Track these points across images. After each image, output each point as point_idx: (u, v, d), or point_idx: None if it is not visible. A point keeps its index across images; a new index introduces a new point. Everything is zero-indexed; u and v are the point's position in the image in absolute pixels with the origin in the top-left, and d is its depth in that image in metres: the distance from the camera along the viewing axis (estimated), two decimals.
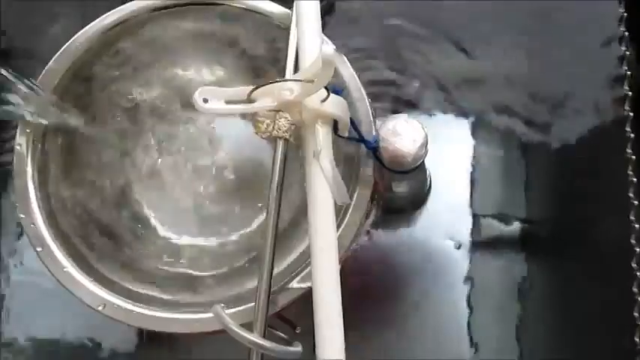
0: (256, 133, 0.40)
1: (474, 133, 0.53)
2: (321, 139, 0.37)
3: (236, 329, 0.37)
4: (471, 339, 0.49)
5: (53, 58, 0.44)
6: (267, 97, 0.37)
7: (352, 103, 0.42)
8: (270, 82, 0.36)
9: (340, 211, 0.41)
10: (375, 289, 0.52)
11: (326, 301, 0.36)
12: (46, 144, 0.44)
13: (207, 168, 0.47)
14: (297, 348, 0.38)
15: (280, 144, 0.39)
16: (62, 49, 0.44)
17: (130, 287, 0.42)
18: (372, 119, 0.43)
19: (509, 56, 0.53)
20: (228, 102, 0.37)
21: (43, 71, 0.44)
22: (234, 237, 0.46)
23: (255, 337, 0.37)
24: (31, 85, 0.40)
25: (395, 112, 0.53)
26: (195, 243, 0.46)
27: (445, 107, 0.54)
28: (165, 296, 0.43)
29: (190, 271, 0.45)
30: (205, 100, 0.37)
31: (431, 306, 0.51)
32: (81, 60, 0.44)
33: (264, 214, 0.39)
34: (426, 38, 0.55)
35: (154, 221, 0.47)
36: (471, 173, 0.53)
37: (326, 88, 0.36)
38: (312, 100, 0.37)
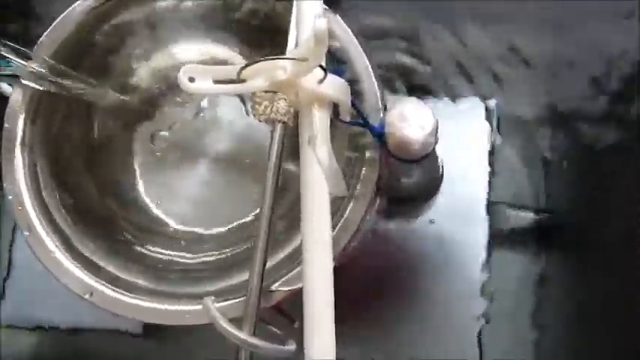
0: (254, 116, 0.37)
1: (492, 121, 0.50)
2: (317, 123, 0.34)
3: (224, 325, 0.35)
4: (484, 331, 0.47)
5: (52, 25, 0.42)
6: (259, 77, 0.34)
7: (359, 83, 0.39)
8: (261, 60, 0.33)
9: (343, 200, 0.39)
10: (386, 280, 0.49)
11: (316, 300, 0.34)
12: (37, 120, 0.41)
13: (206, 152, 0.45)
14: (290, 347, 0.35)
15: (278, 128, 0.37)
16: (61, 16, 0.42)
17: (121, 275, 0.41)
18: (380, 102, 0.39)
19: (533, 39, 0.49)
20: (216, 81, 0.34)
21: (42, 37, 0.41)
22: (231, 225, 0.44)
23: (243, 335, 0.35)
24: (26, 52, 0.38)
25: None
26: (192, 229, 0.44)
27: (463, 92, 0.50)
28: (156, 286, 0.41)
29: (185, 260, 0.43)
30: (192, 79, 0.34)
31: (444, 296, 0.48)
32: (80, 28, 0.42)
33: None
34: (445, 19, 0.50)
35: (150, 206, 0.45)
36: (489, 162, 0.49)
37: (323, 67, 0.33)
38: (307, 81, 0.34)
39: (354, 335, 0.48)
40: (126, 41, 0.43)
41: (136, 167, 0.45)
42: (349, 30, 0.40)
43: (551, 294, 0.47)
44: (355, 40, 0.40)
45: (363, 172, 0.39)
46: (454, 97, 0.50)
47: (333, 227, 0.38)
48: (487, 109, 0.50)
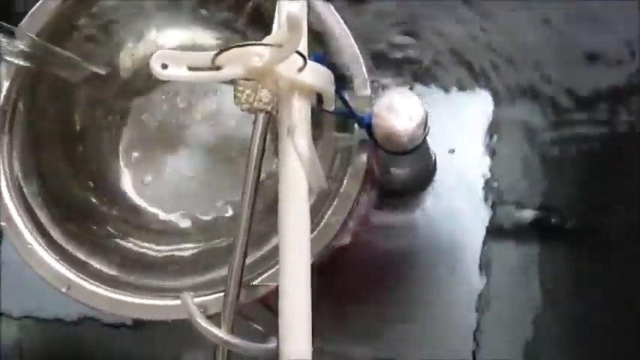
0: (236, 105, 0.36)
1: (493, 112, 0.48)
2: (297, 113, 0.33)
3: (201, 322, 0.34)
4: (482, 328, 0.46)
5: (35, 6, 0.40)
6: (234, 64, 0.32)
7: (347, 72, 0.37)
8: (236, 46, 0.32)
9: (329, 193, 0.37)
10: (383, 276, 0.48)
11: (293, 300, 0.32)
12: (18, 103, 0.40)
13: (193, 141, 0.44)
14: (271, 345, 0.34)
15: (261, 117, 0.35)
16: None
17: (100, 268, 0.39)
18: (369, 91, 0.37)
19: (535, 27, 0.47)
20: (191, 68, 0.33)
21: (24, 19, 0.40)
22: (219, 215, 0.42)
23: (221, 333, 0.33)
24: (9, 29, 0.37)
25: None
26: (177, 220, 0.43)
27: (463, 82, 0.48)
28: (138, 280, 0.39)
29: (169, 252, 0.42)
30: (164, 66, 0.32)
31: (440, 293, 0.47)
32: (62, 11, 0.40)
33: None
34: (445, 5, 0.48)
35: (133, 196, 0.43)
36: (489, 156, 0.47)
37: (301, 54, 0.31)
38: (286, 69, 0.32)
39: (355, 334, 0.47)
40: (108, 27, 0.42)
41: (120, 157, 0.44)
42: (340, 18, 0.38)
43: (549, 292, 0.45)
44: (345, 27, 0.38)
45: (350, 166, 0.37)
46: (454, 88, 0.48)
47: (318, 223, 0.37)
48: (487, 101, 0.48)
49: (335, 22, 0.38)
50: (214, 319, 0.34)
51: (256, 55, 0.32)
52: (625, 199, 0.39)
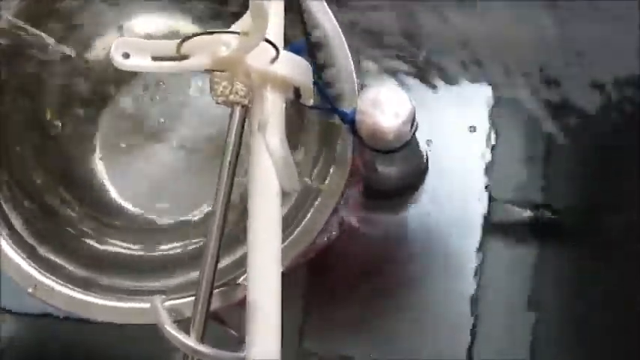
0: (212, 97, 0.33)
1: (491, 108, 0.45)
2: (269, 107, 0.30)
3: (169, 329, 0.32)
4: (478, 328, 0.44)
5: None
6: (201, 54, 0.30)
7: (334, 65, 0.35)
8: (201, 34, 0.29)
9: (311, 193, 0.35)
10: (378, 276, 0.46)
11: (263, 309, 0.30)
12: None
13: (172, 137, 0.42)
14: (243, 353, 0.32)
15: (237, 111, 0.33)
16: None
17: (71, 268, 0.38)
18: (355, 84, 0.35)
19: (536, 20, 0.44)
20: (155, 58, 0.30)
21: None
22: (200, 215, 0.41)
23: (189, 341, 0.32)
24: None
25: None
26: (151, 218, 0.41)
27: (459, 76, 0.46)
28: (109, 281, 0.38)
29: (147, 252, 0.40)
30: (126, 55, 0.30)
31: (438, 292, 0.45)
32: None
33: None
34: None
35: (110, 194, 0.42)
36: (485, 153, 0.45)
37: (271, 43, 0.29)
38: (257, 59, 0.30)
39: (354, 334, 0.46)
40: (83, 14, 0.40)
41: (95, 152, 0.42)
42: (328, 9, 0.36)
43: (548, 291, 0.44)
44: (334, 19, 0.36)
45: (334, 165, 0.34)
46: (450, 82, 0.46)
47: (297, 225, 0.35)
48: (486, 95, 0.45)
49: (323, 14, 0.36)
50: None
51: (223, 44, 0.29)
52: (625, 198, 0.38)
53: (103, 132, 0.42)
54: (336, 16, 0.36)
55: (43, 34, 0.37)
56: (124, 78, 0.41)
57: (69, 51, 0.38)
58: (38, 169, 0.39)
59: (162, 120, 0.42)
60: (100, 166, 0.42)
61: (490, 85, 0.45)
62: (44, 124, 0.40)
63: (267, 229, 0.30)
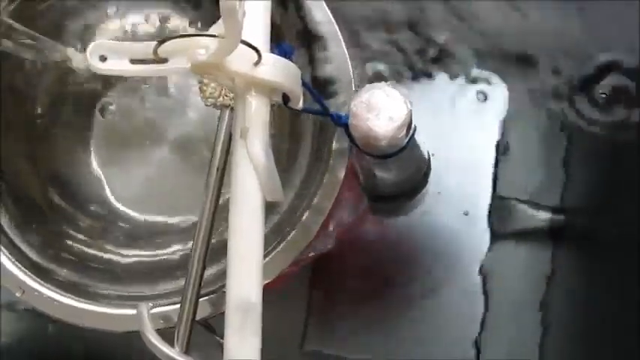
0: (201, 100, 0.32)
1: (505, 107, 0.44)
2: (252, 113, 0.29)
3: (151, 338, 0.31)
4: (486, 331, 0.44)
5: None
6: (180, 57, 0.28)
7: (331, 65, 0.33)
8: (179, 36, 0.28)
9: (307, 196, 0.35)
10: (384, 278, 0.45)
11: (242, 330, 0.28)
12: None
13: (166, 138, 0.41)
14: None
15: (226, 114, 0.32)
16: None
17: (61, 273, 0.37)
18: (353, 85, 0.33)
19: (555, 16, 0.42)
20: (133, 61, 0.29)
21: None
22: (183, 220, 0.40)
23: (172, 352, 0.31)
24: None
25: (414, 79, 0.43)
26: (145, 221, 0.40)
27: (470, 75, 0.44)
28: (100, 286, 0.37)
29: (134, 258, 0.39)
30: (103, 58, 0.29)
31: (444, 294, 0.44)
32: None
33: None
34: None
35: (104, 196, 0.41)
36: (497, 155, 0.44)
37: (252, 47, 0.27)
38: (238, 63, 0.28)
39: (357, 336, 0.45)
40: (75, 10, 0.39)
41: (89, 155, 0.41)
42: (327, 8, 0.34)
43: (557, 294, 0.43)
44: (332, 16, 0.34)
45: (328, 172, 0.33)
46: (453, 80, 0.43)
47: (288, 233, 0.33)
48: (499, 93, 0.43)
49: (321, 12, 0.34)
50: None
51: (202, 47, 0.27)
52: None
53: (96, 135, 0.41)
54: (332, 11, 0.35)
55: (36, 34, 0.36)
56: (118, 77, 0.40)
57: (60, 52, 0.37)
58: (31, 171, 0.39)
59: (156, 120, 0.40)
60: (93, 169, 0.41)
61: (505, 83, 0.43)
62: (35, 125, 0.39)
63: (249, 240, 0.28)
